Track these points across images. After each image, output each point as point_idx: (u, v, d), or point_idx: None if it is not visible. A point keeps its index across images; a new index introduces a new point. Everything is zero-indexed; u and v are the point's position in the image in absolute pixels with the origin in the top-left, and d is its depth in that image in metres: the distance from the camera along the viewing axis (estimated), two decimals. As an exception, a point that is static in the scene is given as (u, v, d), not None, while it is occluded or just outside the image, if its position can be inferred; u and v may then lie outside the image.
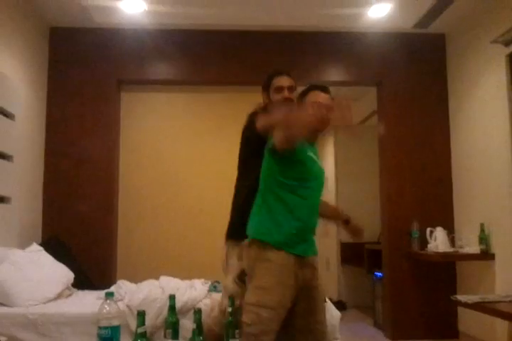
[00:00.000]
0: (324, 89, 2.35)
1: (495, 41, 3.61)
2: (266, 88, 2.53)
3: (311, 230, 2.28)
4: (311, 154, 2.25)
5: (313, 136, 2.31)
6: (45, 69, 4.29)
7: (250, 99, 2.88)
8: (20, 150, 3.72)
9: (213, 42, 4.45)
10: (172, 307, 2.05)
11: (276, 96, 2.47)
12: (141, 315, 1.77)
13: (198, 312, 1.91)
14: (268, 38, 4.45)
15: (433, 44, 4.59)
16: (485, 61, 3.94)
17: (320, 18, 4.19)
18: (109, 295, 1.73)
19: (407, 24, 4.35)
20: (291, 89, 2.49)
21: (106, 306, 1.71)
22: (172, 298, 2.07)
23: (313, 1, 3.91)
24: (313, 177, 2.24)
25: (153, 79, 4.45)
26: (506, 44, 3.58)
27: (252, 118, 2.37)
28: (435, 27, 4.42)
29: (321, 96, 2.30)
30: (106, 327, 1.70)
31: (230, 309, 2.00)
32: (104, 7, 3.93)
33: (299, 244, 2.18)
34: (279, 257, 2.12)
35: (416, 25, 4.37)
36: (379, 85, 4.63)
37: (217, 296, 2.84)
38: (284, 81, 2.49)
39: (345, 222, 2.52)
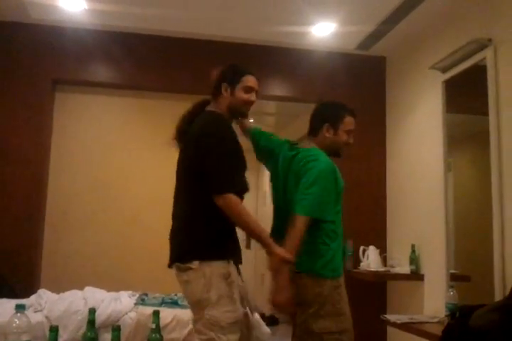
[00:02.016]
0: (355, 115, 2.58)
1: (433, 67, 3.69)
2: (231, 82, 2.34)
3: None
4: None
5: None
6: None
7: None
8: None
9: (157, 48, 4.35)
10: (91, 322, 1.94)
11: (243, 95, 2.32)
12: (53, 331, 1.66)
13: (116, 329, 1.80)
14: (213, 47, 4.40)
15: (374, 66, 4.68)
16: (422, 86, 4.03)
17: (266, 33, 4.21)
18: (20, 308, 1.61)
19: (350, 45, 4.43)
20: (257, 93, 2.41)
21: (16, 319, 1.60)
22: (92, 312, 1.96)
23: (261, 16, 3.91)
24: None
25: (91, 80, 4.29)
26: (443, 70, 3.67)
27: (217, 131, 2.19)
28: (377, 49, 4.51)
29: (353, 125, 2.54)
30: (13, 343, 1.58)
31: (153, 326, 1.90)
32: (42, 4, 3.77)
33: None
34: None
35: (358, 46, 4.45)
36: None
37: (144, 311, 2.74)
38: (253, 82, 2.38)
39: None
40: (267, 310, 6.13)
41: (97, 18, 4.05)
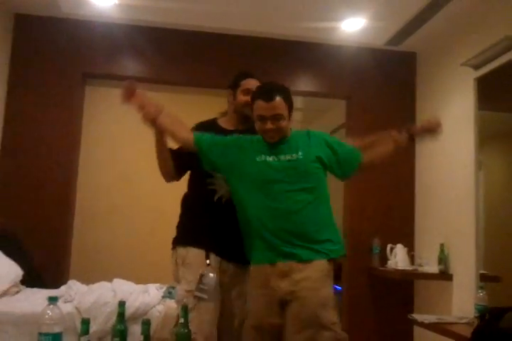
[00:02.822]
0: (267, 96, 2.23)
1: (465, 64, 3.63)
2: (233, 88, 2.53)
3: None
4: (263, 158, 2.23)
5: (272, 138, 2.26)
6: (7, 57, 4.10)
7: (218, 103, 2.82)
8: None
9: (186, 42, 4.36)
10: (121, 315, 1.95)
11: (242, 98, 2.46)
12: (85, 323, 1.68)
13: (146, 323, 1.81)
14: (241, 42, 4.39)
15: (404, 62, 4.62)
16: (454, 83, 3.96)
17: (295, 29, 4.19)
18: (53, 299, 1.63)
19: (380, 40, 4.37)
20: None
21: (48, 311, 1.62)
22: (122, 304, 1.97)
23: (290, 11, 3.89)
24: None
25: (120, 74, 4.31)
26: (476, 67, 3.60)
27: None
28: (407, 45, 4.45)
29: (263, 108, 2.22)
30: (47, 334, 1.60)
31: (182, 320, 1.91)
32: (74, -1, 3.82)
33: None
34: None
35: (388, 42, 4.39)
36: (348, 99, 4.62)
37: (171, 304, 2.76)
38: (253, 84, 2.46)
39: (411, 138, 2.53)
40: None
41: (127, 13, 4.07)
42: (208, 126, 2.49)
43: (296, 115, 6.45)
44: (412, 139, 2.49)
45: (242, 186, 2.25)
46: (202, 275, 2.25)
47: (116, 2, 3.85)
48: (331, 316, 2.13)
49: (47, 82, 4.15)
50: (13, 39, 4.16)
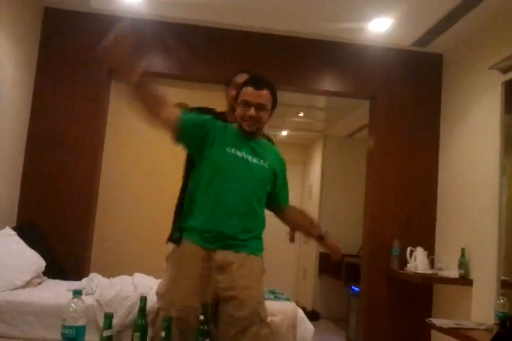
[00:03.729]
0: (258, 84, 2.22)
1: (493, 67, 3.59)
2: (227, 84, 2.61)
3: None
4: (233, 151, 2.20)
5: (250, 132, 2.24)
6: (35, 49, 4.17)
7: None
8: (1, 130, 3.61)
9: (214, 40, 4.38)
10: (142, 310, 1.98)
11: (232, 93, 2.47)
12: (108, 318, 1.70)
13: (167, 320, 1.83)
14: (269, 41, 4.40)
15: (430, 63, 4.57)
16: (480, 86, 3.92)
17: (323, 28, 4.18)
18: (77, 293, 1.66)
19: (407, 41, 4.34)
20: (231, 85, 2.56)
21: (72, 304, 1.65)
22: (143, 299, 2.00)
23: (318, 11, 3.88)
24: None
25: (147, 70, 4.34)
26: (504, 71, 3.55)
27: None
28: (434, 46, 4.41)
29: (250, 95, 2.20)
30: (71, 327, 1.64)
31: (201, 317, 1.93)
32: (102, -6, 3.86)
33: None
34: None
35: (415, 43, 4.36)
36: (372, 99, 4.60)
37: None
38: (243, 79, 2.45)
39: (319, 239, 2.41)
40: (309, 306, 6.15)
41: (155, 9, 4.10)
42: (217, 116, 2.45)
43: (319, 114, 6.45)
44: (319, 240, 2.43)
45: (207, 169, 2.23)
46: None
47: (145, -2, 3.88)
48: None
49: (74, 75, 4.21)
50: (42, 32, 4.22)
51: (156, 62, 4.34)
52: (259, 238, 2.29)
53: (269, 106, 2.24)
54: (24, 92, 4.04)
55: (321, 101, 5.83)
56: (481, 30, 3.93)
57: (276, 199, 2.38)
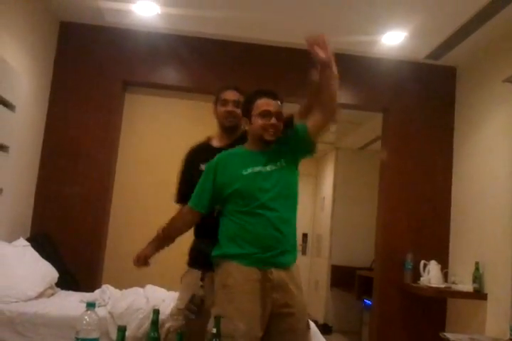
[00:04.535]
0: (272, 95, 2.26)
1: (507, 80, 3.58)
2: (215, 102, 2.59)
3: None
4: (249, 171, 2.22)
5: (263, 144, 2.25)
6: (51, 63, 4.24)
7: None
8: (17, 142, 3.64)
9: (227, 52, 4.42)
10: (155, 323, 1.98)
11: (220, 109, 2.52)
12: (121, 331, 1.70)
13: (180, 333, 1.83)
14: (283, 53, 4.42)
15: (444, 76, 4.57)
16: (494, 99, 3.90)
17: (337, 41, 4.15)
18: (91, 305, 1.66)
19: (420, 54, 4.35)
20: (236, 103, 2.50)
21: (86, 317, 1.66)
22: (156, 312, 1.99)
23: (331, 24, 3.92)
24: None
25: (161, 83, 4.40)
26: (517, 84, 3.55)
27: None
28: (447, 59, 4.41)
29: (268, 105, 2.23)
30: (84, 339, 1.64)
31: (214, 330, 1.92)
32: (117, 8, 3.91)
33: None
34: None
35: (428, 56, 4.36)
36: (385, 112, 4.60)
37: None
38: (230, 95, 2.52)
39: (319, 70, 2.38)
40: (321, 319, 6.10)
41: (169, 23, 4.15)
42: (198, 150, 2.63)
43: (331, 126, 6.43)
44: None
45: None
46: (193, 296, 2.35)
47: (159, 12, 3.93)
48: None
49: (88, 88, 4.27)
50: (58, 46, 4.29)
51: (170, 74, 4.39)
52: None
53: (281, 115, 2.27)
54: (40, 104, 4.10)
55: (333, 113, 5.82)
56: (494, 43, 3.93)
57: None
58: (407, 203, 4.40)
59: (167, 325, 2.40)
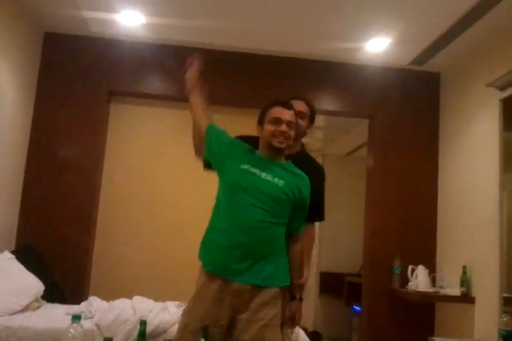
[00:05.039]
0: (287, 105, 2.32)
1: (490, 85, 3.61)
2: (260, 121, 2.42)
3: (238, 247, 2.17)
4: (246, 167, 2.24)
5: (276, 153, 2.28)
6: (35, 73, 4.21)
7: (241, 122, 2.83)
8: (1, 153, 3.62)
9: (212, 62, 4.36)
10: (142, 334, 1.95)
11: (269, 128, 2.38)
12: (107, 343, 1.68)
13: (168, 342, 1.81)
14: (268, 61, 4.44)
15: (428, 82, 4.61)
16: (478, 104, 3.94)
17: (320, 49, 4.22)
18: (76, 318, 1.65)
19: (404, 60, 4.38)
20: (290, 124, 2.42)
21: (71, 330, 1.63)
22: (143, 323, 1.97)
23: (315, 31, 3.93)
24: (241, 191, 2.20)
25: (146, 92, 4.39)
26: (501, 88, 3.57)
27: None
28: (431, 65, 4.45)
29: (280, 112, 2.26)
30: (69, 352, 1.62)
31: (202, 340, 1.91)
32: (102, 18, 3.91)
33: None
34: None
35: (412, 62, 4.40)
36: (371, 118, 4.63)
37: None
38: (281, 111, 2.39)
39: (291, 297, 2.29)
40: (310, 326, 6.08)
41: (154, 32, 4.16)
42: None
43: (318, 133, 6.46)
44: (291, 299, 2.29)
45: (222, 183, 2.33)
46: None
47: (144, 22, 3.93)
48: None
49: (73, 98, 4.25)
50: (42, 56, 4.27)
51: (155, 84, 4.38)
52: None
53: (294, 125, 2.31)
54: (24, 115, 4.07)
55: (319, 120, 5.84)
56: (477, 49, 3.97)
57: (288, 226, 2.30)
58: (394, 209, 4.42)
59: None
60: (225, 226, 2.21)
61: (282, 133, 2.24)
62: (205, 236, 2.29)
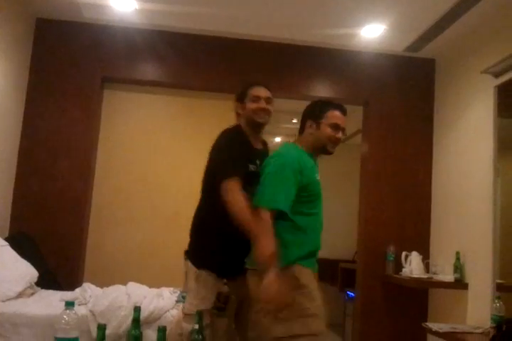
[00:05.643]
0: (344, 109, 2.41)
1: (485, 71, 3.60)
2: (241, 98, 2.49)
3: None
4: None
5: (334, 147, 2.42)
6: (27, 59, 4.15)
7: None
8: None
9: (204, 48, 4.37)
10: (136, 320, 1.95)
11: (251, 105, 2.43)
12: (101, 329, 1.68)
13: (162, 330, 1.80)
14: (260, 47, 4.40)
15: (423, 69, 4.59)
16: (473, 91, 3.93)
17: (316, 35, 4.19)
18: (70, 304, 1.64)
19: (399, 46, 4.36)
20: (269, 100, 2.47)
21: (65, 316, 1.63)
22: (137, 310, 1.96)
23: (310, 17, 3.89)
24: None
25: (139, 79, 4.35)
26: (496, 75, 3.57)
27: (219, 138, 2.39)
28: (426, 52, 4.43)
29: (340, 119, 2.36)
30: (63, 339, 1.61)
31: (196, 326, 1.91)
32: (95, 4, 3.85)
33: None
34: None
35: (407, 49, 4.38)
36: (366, 105, 4.60)
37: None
38: (262, 91, 2.47)
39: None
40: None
41: (147, 18, 4.10)
42: (246, 144, 2.42)
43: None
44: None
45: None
46: (219, 294, 2.28)
47: (137, 7, 3.88)
48: None
49: (66, 84, 4.20)
50: (34, 42, 4.21)
51: (148, 70, 4.34)
52: None
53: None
54: (16, 102, 4.03)
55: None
56: (472, 35, 3.95)
57: None
58: (388, 195, 4.42)
59: (189, 327, 2.19)
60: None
61: (339, 140, 2.38)
62: (302, 239, 2.30)
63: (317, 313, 2.19)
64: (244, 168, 2.29)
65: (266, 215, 2.13)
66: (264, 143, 2.61)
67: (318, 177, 2.38)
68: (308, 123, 2.39)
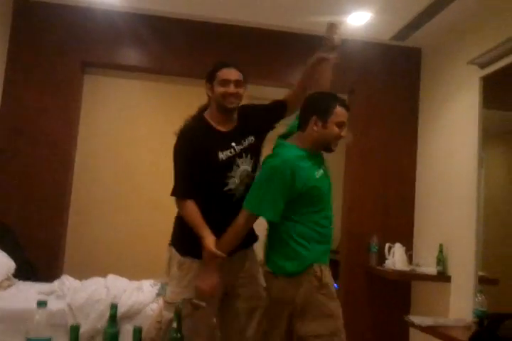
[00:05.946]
0: (347, 105, 2.36)
1: (471, 62, 3.57)
2: (210, 80, 2.36)
3: None
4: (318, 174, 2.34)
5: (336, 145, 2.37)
6: (5, 42, 4.02)
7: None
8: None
9: (187, 32, 4.27)
10: (113, 317, 1.90)
11: (220, 90, 2.31)
12: (73, 330, 1.62)
13: (138, 330, 1.75)
14: (246, 34, 4.31)
15: (409, 58, 4.55)
16: (459, 81, 3.90)
17: (301, 22, 4.11)
18: (41, 304, 1.58)
19: (385, 35, 4.31)
20: (238, 83, 2.34)
21: (37, 316, 1.57)
22: (114, 307, 1.91)
23: (296, 4, 3.82)
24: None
25: (120, 63, 4.25)
26: (482, 66, 3.54)
27: (176, 141, 2.41)
28: (412, 41, 4.38)
29: (346, 116, 2.31)
30: (34, 340, 1.55)
31: (174, 324, 1.86)
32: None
33: None
34: None
35: (394, 37, 4.33)
36: (351, 93, 4.54)
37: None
38: (230, 74, 2.33)
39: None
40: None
41: (128, 1, 4.00)
42: (203, 135, 2.34)
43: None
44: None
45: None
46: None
47: (118, -10, 3.77)
48: None
49: (45, 68, 4.08)
50: (13, 24, 4.08)
51: (130, 54, 4.24)
52: None
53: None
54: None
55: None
56: (459, 25, 3.90)
57: None
58: (372, 186, 4.39)
59: (169, 316, 2.17)
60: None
61: (342, 138, 2.34)
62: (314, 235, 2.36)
63: (337, 312, 2.30)
64: (194, 182, 2.31)
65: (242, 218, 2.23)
66: (241, 113, 2.45)
67: (319, 175, 2.32)
68: (314, 119, 2.29)
